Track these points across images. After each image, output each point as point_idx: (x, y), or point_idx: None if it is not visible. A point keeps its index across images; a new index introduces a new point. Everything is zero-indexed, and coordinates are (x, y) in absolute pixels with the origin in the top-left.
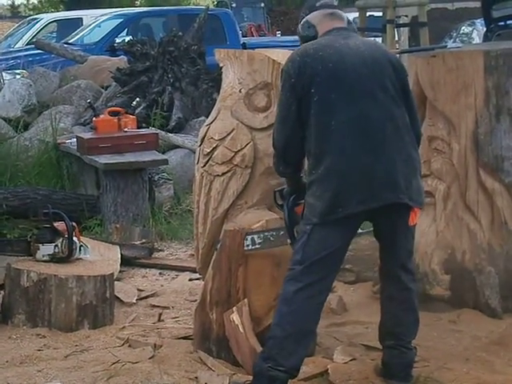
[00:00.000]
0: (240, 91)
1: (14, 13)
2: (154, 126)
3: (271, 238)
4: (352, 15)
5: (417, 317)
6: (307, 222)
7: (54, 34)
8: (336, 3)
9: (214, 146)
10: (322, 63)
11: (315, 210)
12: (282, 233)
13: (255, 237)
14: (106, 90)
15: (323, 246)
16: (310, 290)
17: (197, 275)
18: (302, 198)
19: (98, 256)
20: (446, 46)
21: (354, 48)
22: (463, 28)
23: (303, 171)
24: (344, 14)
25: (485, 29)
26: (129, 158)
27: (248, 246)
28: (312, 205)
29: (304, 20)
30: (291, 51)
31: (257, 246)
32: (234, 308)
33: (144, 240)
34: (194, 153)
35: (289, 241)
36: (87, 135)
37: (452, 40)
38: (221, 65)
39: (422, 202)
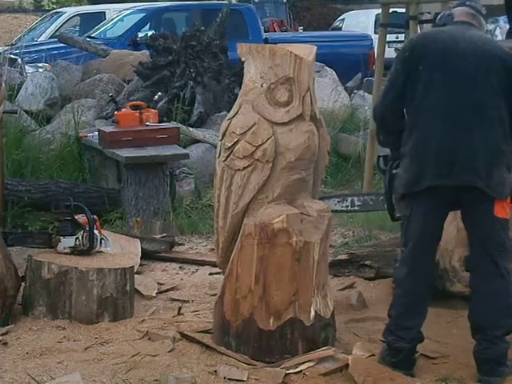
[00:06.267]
0: (262, 86)
1: (38, 6)
2: (175, 121)
3: (370, 202)
4: (375, 11)
5: (509, 308)
6: (396, 195)
7: (77, 28)
8: (484, 11)
9: (236, 140)
10: (434, 44)
11: (401, 181)
12: (381, 198)
13: (355, 199)
14: (128, 83)
15: (419, 228)
16: (416, 272)
17: (217, 269)
18: None
19: (119, 249)
20: None
21: (468, 38)
22: (486, 25)
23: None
24: (484, 21)
25: (508, 26)
26: (150, 151)
27: (347, 206)
28: (400, 176)
29: (449, 12)
30: (313, 46)
31: (355, 208)
32: None
33: (164, 234)
34: (215, 147)
35: (386, 206)
36: (109, 129)
37: None
38: (243, 59)
39: (502, 194)
